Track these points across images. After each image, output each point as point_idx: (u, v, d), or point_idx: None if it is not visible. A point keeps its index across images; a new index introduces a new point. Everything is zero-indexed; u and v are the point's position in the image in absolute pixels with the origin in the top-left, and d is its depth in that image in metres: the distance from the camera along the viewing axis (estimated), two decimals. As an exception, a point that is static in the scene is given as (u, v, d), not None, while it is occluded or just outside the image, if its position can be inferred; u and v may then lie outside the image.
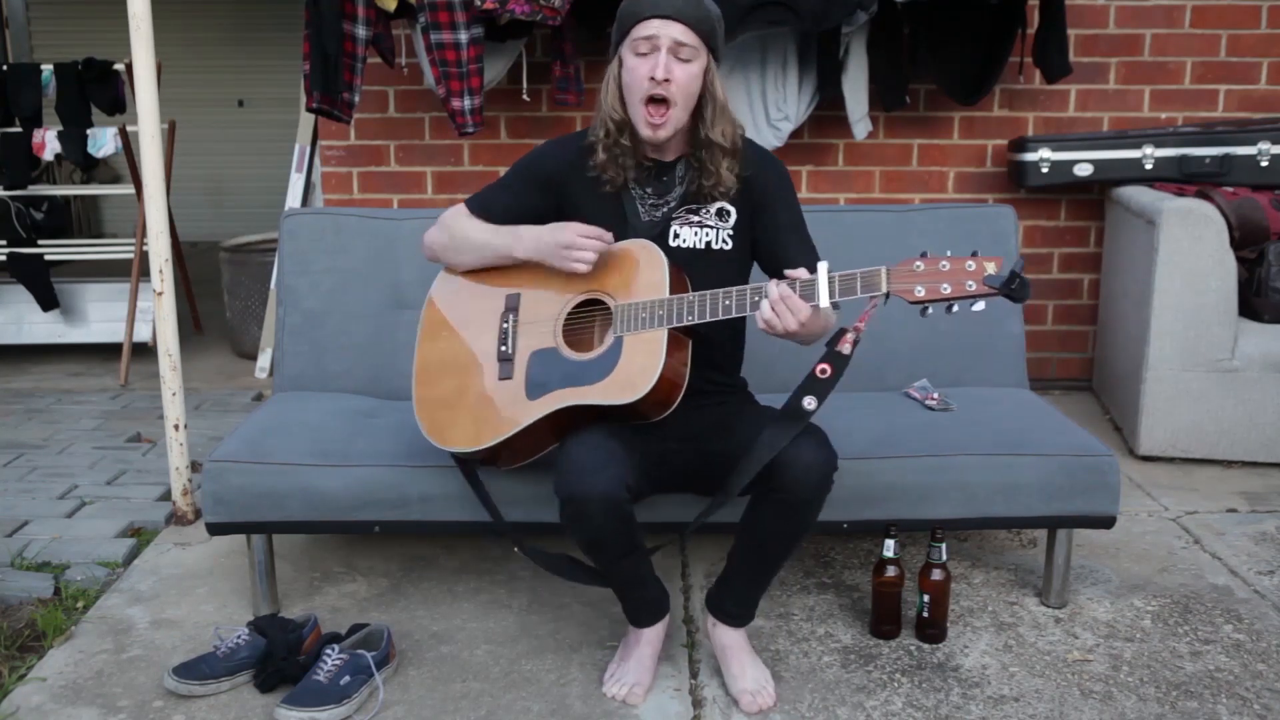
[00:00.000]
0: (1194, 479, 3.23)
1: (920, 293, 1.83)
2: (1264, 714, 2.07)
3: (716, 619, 2.16)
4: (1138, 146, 3.64)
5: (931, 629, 2.31)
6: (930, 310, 1.85)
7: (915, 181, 3.96)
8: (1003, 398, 2.66)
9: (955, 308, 1.84)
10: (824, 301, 1.87)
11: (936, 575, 2.28)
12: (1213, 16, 3.80)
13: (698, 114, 2.06)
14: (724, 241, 2.12)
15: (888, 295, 1.85)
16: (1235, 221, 3.29)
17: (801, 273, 1.91)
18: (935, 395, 2.62)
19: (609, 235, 2.04)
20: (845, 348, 1.90)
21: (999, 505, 2.32)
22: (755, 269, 2.19)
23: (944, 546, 2.29)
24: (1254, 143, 3.57)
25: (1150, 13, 3.81)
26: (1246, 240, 3.33)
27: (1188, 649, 2.29)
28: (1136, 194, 3.49)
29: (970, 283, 1.81)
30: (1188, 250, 3.18)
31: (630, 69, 2.02)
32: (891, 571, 2.29)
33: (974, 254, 1.84)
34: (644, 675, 2.12)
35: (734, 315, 1.95)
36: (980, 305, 1.82)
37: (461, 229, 2.19)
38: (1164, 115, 3.87)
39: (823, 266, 1.88)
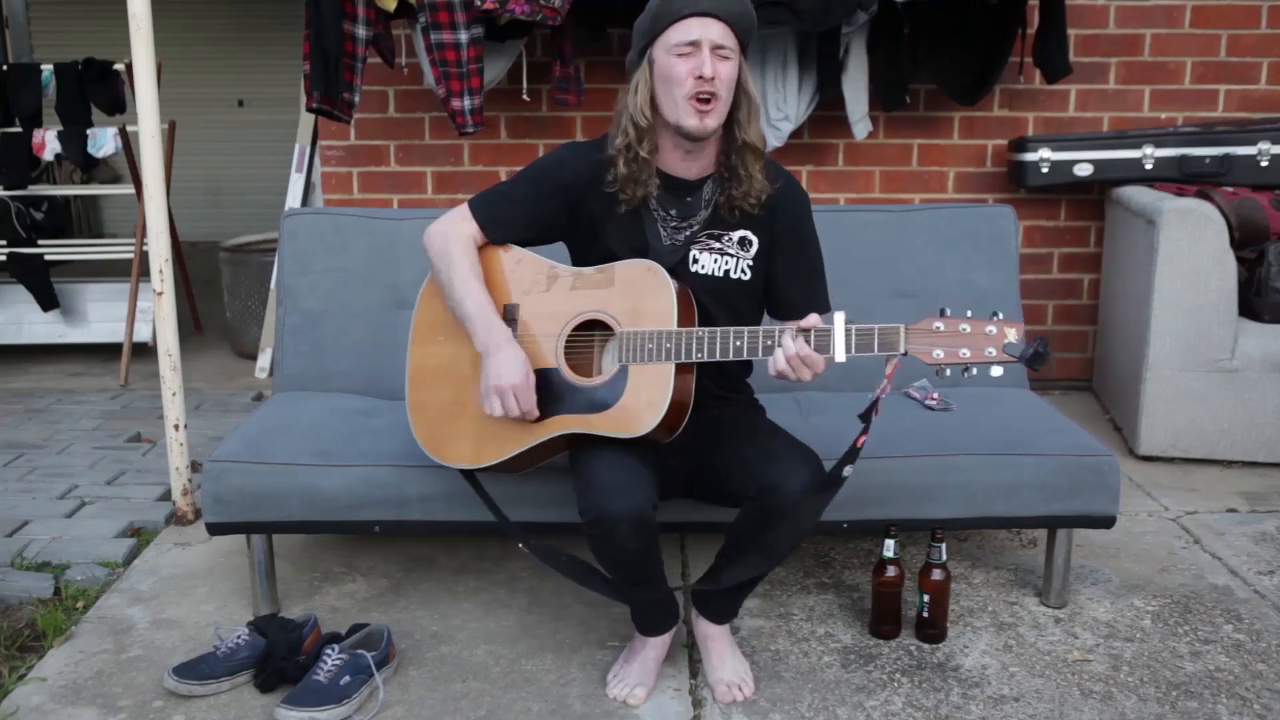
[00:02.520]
0: (1194, 479, 3.23)
1: (938, 355, 1.80)
2: (1264, 714, 2.07)
3: (700, 613, 2.17)
4: (1138, 146, 3.64)
5: (931, 629, 2.31)
6: (948, 373, 1.82)
7: (915, 181, 3.96)
8: (1003, 398, 2.66)
9: (973, 371, 1.81)
10: (839, 356, 1.83)
11: (936, 575, 2.28)
12: (1213, 16, 3.80)
13: (731, 117, 2.00)
14: (743, 271, 2.07)
15: (904, 354, 1.82)
16: (1235, 221, 3.29)
17: (814, 319, 1.87)
18: (935, 395, 2.62)
19: (533, 415, 1.97)
20: (876, 414, 1.91)
21: (999, 505, 2.32)
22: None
23: (944, 546, 2.29)
24: (1254, 143, 3.57)
25: (1150, 13, 3.81)
26: (1246, 240, 3.33)
27: (1188, 649, 2.29)
28: (1136, 194, 3.49)
29: (990, 349, 1.78)
30: (1188, 250, 3.18)
31: (669, 67, 1.93)
32: (891, 571, 2.29)
33: (995, 315, 1.80)
34: (647, 678, 2.12)
35: (744, 358, 1.92)
36: (998, 371, 1.79)
37: (450, 263, 2.05)
38: (1164, 115, 3.87)
39: (839, 318, 1.84)
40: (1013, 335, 1.78)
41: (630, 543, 1.90)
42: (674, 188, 2.05)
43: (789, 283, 2.10)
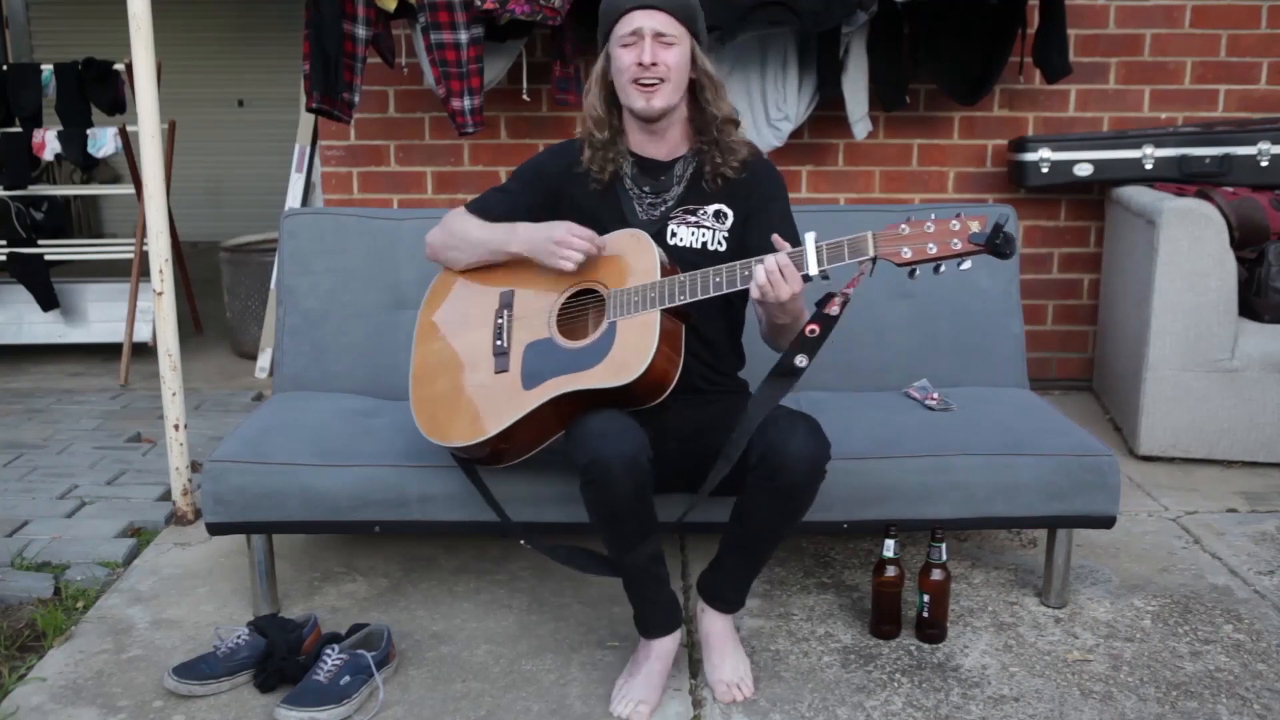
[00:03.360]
0: (1194, 479, 3.23)
1: (907, 254, 1.85)
2: (1264, 714, 2.07)
3: (706, 604, 2.17)
4: (1138, 146, 3.64)
5: (931, 629, 2.31)
6: (918, 272, 1.87)
7: (915, 181, 3.96)
8: (1003, 398, 2.66)
9: (943, 268, 1.85)
10: (813, 269, 1.88)
11: (936, 575, 2.28)
12: (1213, 16, 3.80)
13: (698, 97, 2.14)
14: (719, 243, 2.15)
15: (875, 260, 1.87)
16: (1235, 221, 3.29)
17: (786, 244, 1.93)
18: (935, 395, 2.62)
19: (600, 240, 2.07)
20: (834, 309, 1.91)
21: (999, 505, 2.32)
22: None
23: (944, 546, 2.29)
24: (1254, 143, 3.57)
25: (1150, 13, 3.81)
26: (1246, 240, 3.33)
27: (1188, 649, 2.29)
28: (1136, 194, 3.49)
29: (955, 241, 1.84)
30: (1188, 250, 3.18)
31: (617, 59, 2.10)
32: (891, 571, 2.29)
33: (958, 215, 1.86)
34: (651, 693, 2.09)
35: (725, 291, 1.96)
36: (967, 264, 1.84)
37: (461, 227, 2.23)
38: (1164, 115, 3.87)
39: (810, 236, 1.90)
40: (976, 226, 1.83)
41: (623, 488, 1.92)
42: (646, 168, 2.18)
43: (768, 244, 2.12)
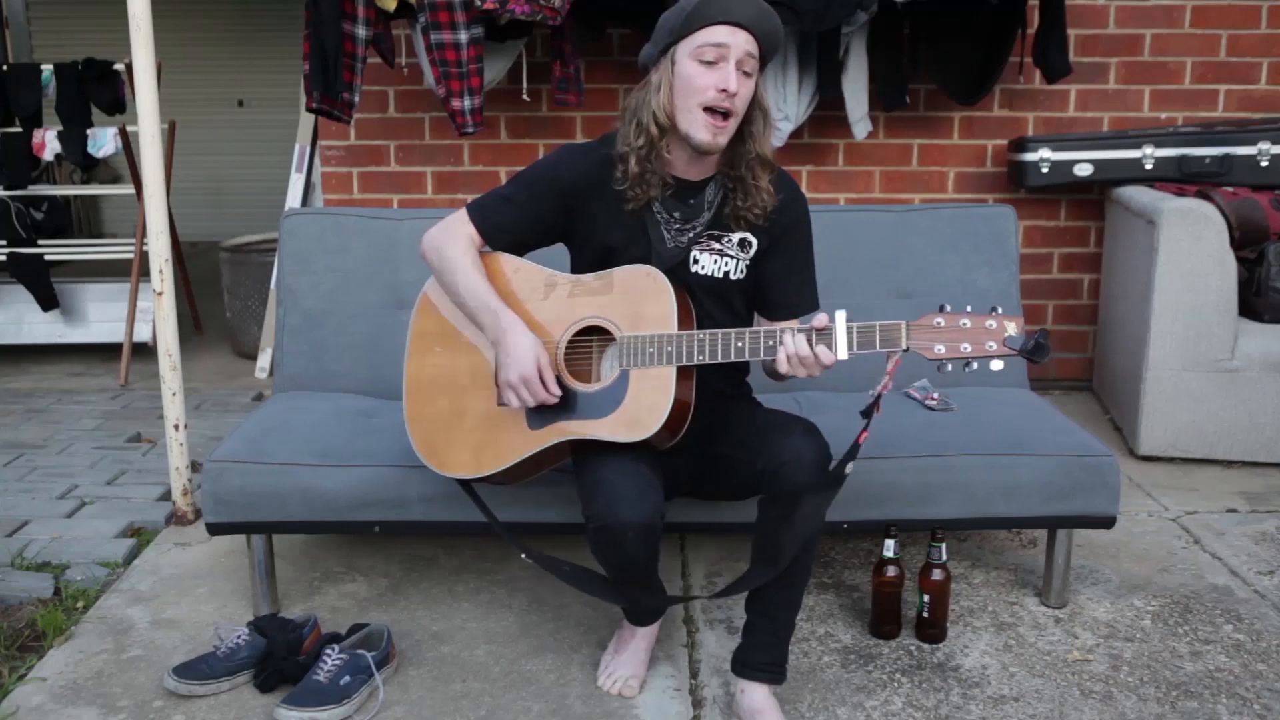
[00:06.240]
0: (1194, 479, 3.23)
1: (940, 350, 1.81)
2: (1264, 714, 2.07)
3: (745, 678, 2.03)
4: (1138, 146, 3.64)
5: (931, 629, 2.31)
6: (949, 367, 1.83)
7: (915, 181, 3.96)
8: (1003, 398, 2.66)
9: (974, 365, 1.82)
10: (842, 354, 1.84)
11: (936, 575, 2.28)
12: (1213, 16, 3.81)
13: (744, 129, 1.97)
14: (740, 272, 2.06)
15: (906, 349, 1.83)
16: (1235, 221, 3.29)
17: (822, 318, 1.86)
18: (935, 395, 2.62)
19: (554, 398, 1.94)
20: (878, 412, 1.90)
21: (999, 505, 2.32)
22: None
23: (944, 546, 2.29)
24: (1254, 143, 3.57)
25: (1150, 13, 3.81)
26: (1246, 240, 3.33)
27: (1188, 649, 2.29)
28: (1136, 194, 3.49)
29: (990, 343, 1.80)
30: (1188, 250, 3.18)
31: (690, 75, 1.89)
32: (891, 571, 2.29)
33: (994, 310, 1.82)
34: (639, 668, 2.12)
35: (745, 359, 1.91)
36: (999, 365, 1.81)
37: (450, 264, 2.04)
38: (1164, 115, 3.88)
39: (840, 316, 1.84)
40: (1012, 329, 1.80)
41: (636, 550, 1.89)
42: (677, 190, 2.02)
43: (781, 284, 2.09)
